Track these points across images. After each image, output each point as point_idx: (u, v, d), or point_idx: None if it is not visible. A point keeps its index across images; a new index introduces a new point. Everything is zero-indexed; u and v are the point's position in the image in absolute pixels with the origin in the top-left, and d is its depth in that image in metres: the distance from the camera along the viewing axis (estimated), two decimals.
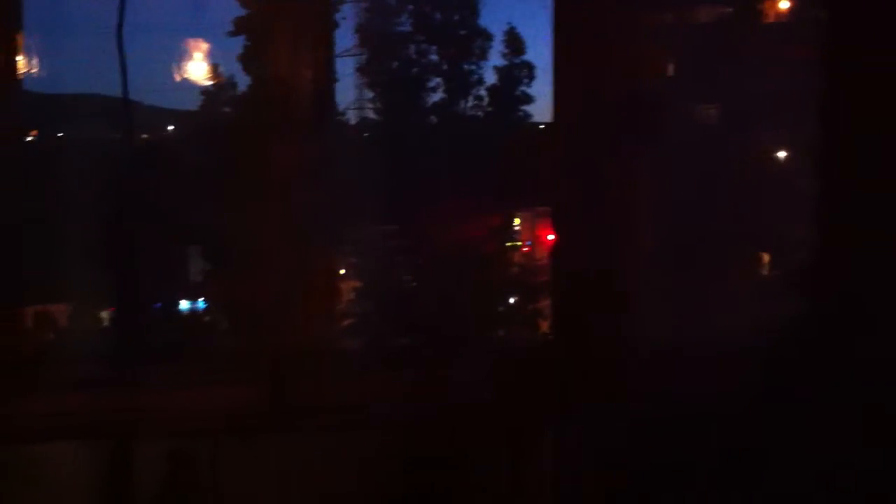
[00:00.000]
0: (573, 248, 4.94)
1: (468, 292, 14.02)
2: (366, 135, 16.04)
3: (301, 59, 4.62)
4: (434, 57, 15.54)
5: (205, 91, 14.62)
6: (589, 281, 4.81)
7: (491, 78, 15.67)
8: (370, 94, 15.92)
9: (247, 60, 13.12)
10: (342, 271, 12.02)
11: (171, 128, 16.95)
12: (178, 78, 11.15)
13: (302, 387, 4.70)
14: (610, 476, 4.43)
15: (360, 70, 15.35)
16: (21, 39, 4.53)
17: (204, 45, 10.26)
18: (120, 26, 4.52)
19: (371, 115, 16.11)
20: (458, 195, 14.66)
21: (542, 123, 17.72)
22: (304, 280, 4.64)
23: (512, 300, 15.48)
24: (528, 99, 15.93)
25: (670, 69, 4.82)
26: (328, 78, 4.85)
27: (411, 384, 4.68)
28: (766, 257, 10.93)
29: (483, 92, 15.85)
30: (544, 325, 16.92)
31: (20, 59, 4.65)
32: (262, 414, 4.53)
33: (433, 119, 16.04)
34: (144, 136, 15.78)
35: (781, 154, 11.13)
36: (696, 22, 9.21)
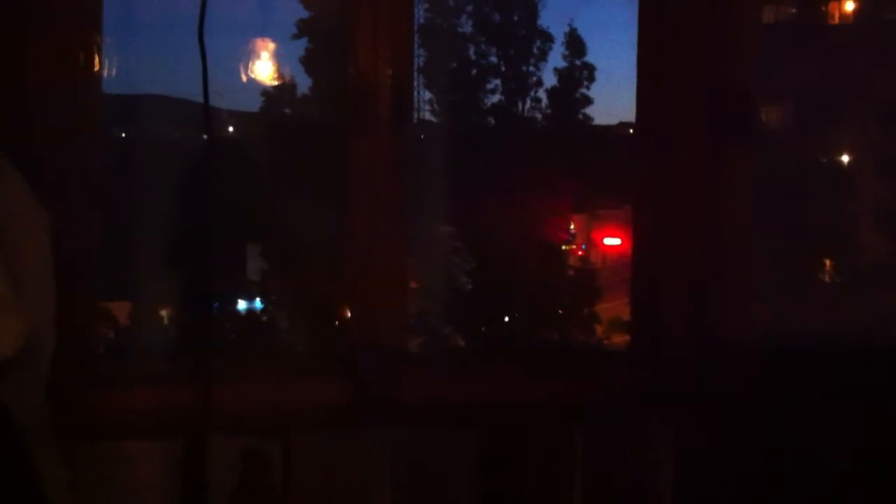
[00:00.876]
0: (655, 249, 4.80)
1: (527, 293, 13.92)
2: (423, 136, 15.97)
3: (380, 55, 4.51)
4: (494, 58, 15.42)
5: (265, 92, 14.60)
6: (671, 279, 4.66)
7: (551, 79, 15.53)
8: (429, 95, 15.84)
9: (317, 59, 13.13)
10: (410, 270, 11.94)
11: (231, 129, 17.01)
12: (243, 79, 11.14)
13: (380, 383, 4.59)
14: (702, 481, 4.29)
15: (421, 70, 15.27)
16: (100, 39, 4.46)
17: (270, 46, 10.23)
18: (201, 26, 4.41)
19: (429, 115, 16.03)
20: (519, 196, 14.55)
21: (603, 125, 17.60)
22: (375, 277, 4.52)
23: (568, 303, 15.34)
24: (589, 101, 15.75)
25: (757, 68, 4.65)
26: (407, 75, 4.75)
27: (495, 382, 4.56)
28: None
29: (542, 93, 15.70)
30: (600, 329, 16.81)
31: (98, 60, 4.58)
32: (346, 410, 4.43)
33: (492, 120, 15.93)
34: (205, 136, 15.75)
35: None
36: (782, 20, 9.04)
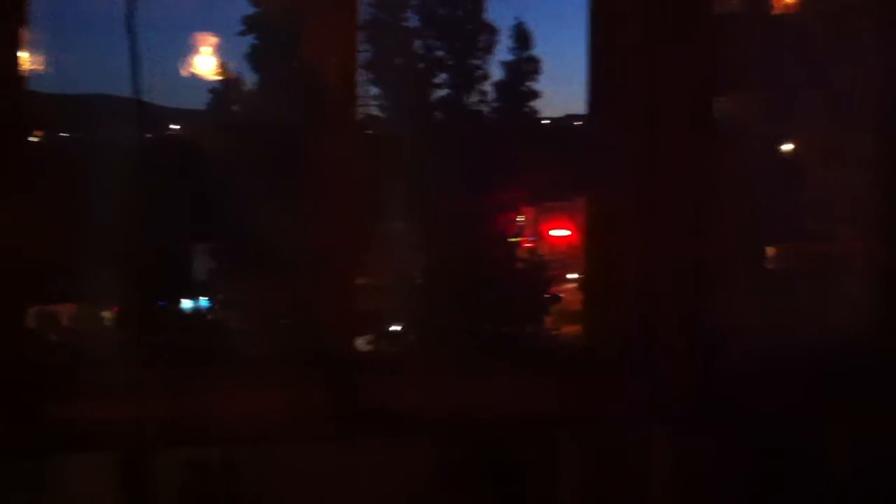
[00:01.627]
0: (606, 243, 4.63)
1: (477, 287, 13.73)
2: (369, 132, 15.69)
3: (325, 51, 4.28)
4: (440, 52, 15.18)
5: (212, 89, 14.25)
6: (626, 272, 4.49)
7: (498, 73, 15.36)
8: (375, 91, 15.56)
9: (263, 56, 12.81)
10: (364, 269, 11.68)
11: (176, 126, 16.59)
12: (185, 75, 10.82)
13: (339, 391, 4.35)
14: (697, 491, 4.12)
15: (366, 66, 14.99)
16: (25, 35, 4.16)
17: (213, 41, 9.92)
18: (130, 22, 4.15)
19: (376, 111, 15.76)
20: (468, 190, 14.37)
21: (547, 119, 17.46)
22: (331, 279, 4.28)
23: (518, 295, 15.18)
24: (535, 94, 15.58)
25: (715, 58, 4.48)
26: (352, 70, 4.51)
27: (473, 389, 4.35)
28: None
29: (489, 87, 15.52)
30: (549, 321, 16.69)
31: (23, 56, 4.29)
32: (301, 419, 4.19)
33: (439, 115, 15.69)
34: (149, 135, 15.42)
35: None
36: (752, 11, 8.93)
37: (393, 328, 12.83)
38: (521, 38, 15.76)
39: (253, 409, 4.27)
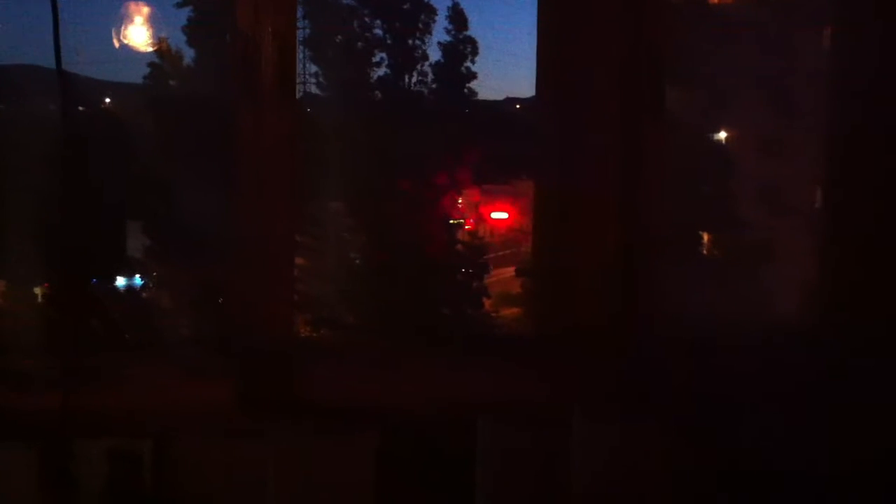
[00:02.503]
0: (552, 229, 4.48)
1: (417, 269, 13.61)
2: (308, 110, 15.41)
3: (263, 25, 4.02)
4: (379, 31, 14.96)
5: (148, 63, 13.89)
6: (579, 259, 4.35)
7: (436, 54, 15.18)
8: (315, 69, 15.29)
9: (200, 29, 12.49)
10: (301, 251, 11.45)
11: (108, 100, 16.12)
12: (116, 45, 10.43)
13: (271, 379, 4.14)
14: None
15: (305, 43, 14.71)
16: None
17: (145, 10, 9.54)
18: None
19: (314, 89, 15.48)
20: (406, 171, 14.21)
21: (486, 100, 17.33)
22: (265, 260, 4.05)
23: (458, 277, 15.08)
24: (473, 75, 15.45)
25: (670, 41, 4.34)
26: (291, 48, 4.28)
27: (408, 378, 4.16)
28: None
29: (427, 67, 15.33)
30: (488, 304, 16.62)
31: None
32: (232, 412, 3.96)
33: (378, 94, 15.48)
34: (81, 108, 15.01)
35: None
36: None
37: (330, 313, 12.65)
38: (460, 19, 15.60)
39: (182, 400, 4.03)
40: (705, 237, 12.53)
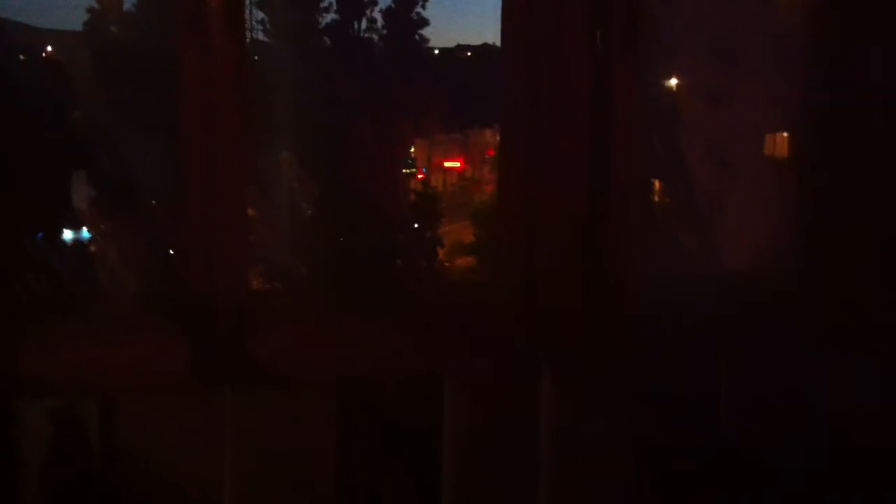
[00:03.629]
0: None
1: (369, 219, 13.27)
2: (256, 58, 14.90)
3: None
4: None
5: (90, 9, 13.30)
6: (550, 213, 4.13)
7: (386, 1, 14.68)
8: (261, 15, 14.73)
9: None
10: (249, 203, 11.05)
11: (49, 48, 15.47)
12: None
13: (223, 339, 3.87)
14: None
15: None
16: None
17: None
18: None
19: (262, 36, 14.95)
20: (357, 120, 13.82)
21: (437, 48, 16.92)
22: (214, 211, 3.77)
23: (411, 227, 14.74)
24: (425, 22, 14.98)
25: None
26: None
27: (357, 340, 3.93)
28: None
29: (377, 14, 14.84)
30: (441, 253, 16.37)
31: None
32: (183, 369, 3.70)
33: (327, 40, 14.97)
34: (21, 56, 14.42)
35: None
36: None
37: (279, 265, 12.28)
38: None
39: (126, 360, 3.76)
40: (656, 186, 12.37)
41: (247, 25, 14.68)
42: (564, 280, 3.94)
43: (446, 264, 15.36)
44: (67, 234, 13.57)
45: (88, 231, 13.49)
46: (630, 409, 3.81)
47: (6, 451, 3.66)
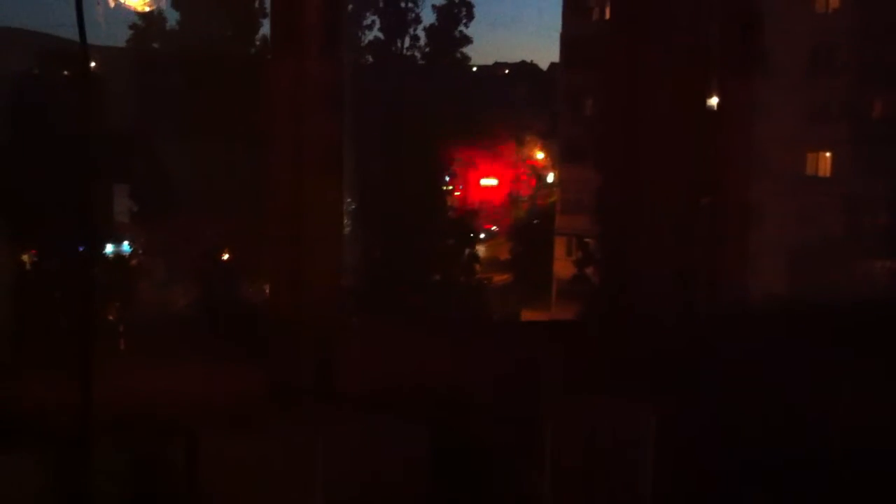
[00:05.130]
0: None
1: (409, 235, 13.02)
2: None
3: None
4: None
5: (133, 26, 13.15)
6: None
7: (430, 18, 14.45)
8: None
9: None
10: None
11: (93, 63, 15.24)
12: (101, 12, 9.68)
13: (311, 369, 3.54)
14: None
15: None
16: None
17: None
18: None
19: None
20: (398, 137, 13.58)
21: (477, 66, 16.68)
22: (304, 233, 3.45)
23: (449, 243, 14.44)
24: (467, 40, 14.75)
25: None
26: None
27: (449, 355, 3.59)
28: None
29: (421, 32, 14.61)
30: (478, 268, 16.07)
31: None
32: (265, 402, 3.37)
33: (370, 58, 14.74)
34: (66, 72, 14.24)
35: None
36: None
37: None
38: None
39: (203, 388, 3.43)
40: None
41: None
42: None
43: (484, 281, 15.06)
44: (109, 248, 13.36)
45: (130, 245, 13.27)
46: None
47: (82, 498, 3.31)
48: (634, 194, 3.87)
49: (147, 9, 11.63)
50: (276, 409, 3.59)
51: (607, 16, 17.03)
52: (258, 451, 3.38)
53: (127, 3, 9.29)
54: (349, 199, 14.36)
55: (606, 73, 4.21)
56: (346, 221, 14.35)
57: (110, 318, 8.64)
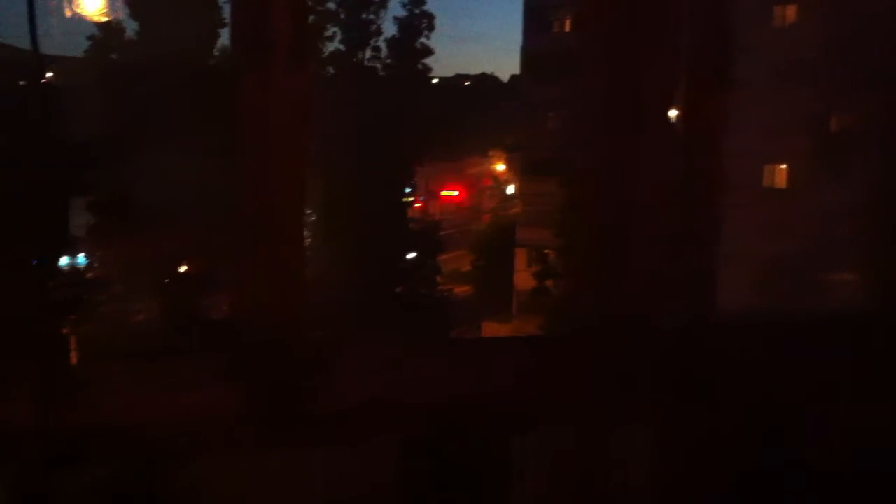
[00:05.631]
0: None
1: (368, 246, 12.87)
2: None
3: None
4: (332, 5, 14.10)
5: (91, 37, 12.93)
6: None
7: (391, 30, 14.34)
8: None
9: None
10: None
11: (50, 74, 14.96)
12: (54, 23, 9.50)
13: (284, 386, 3.46)
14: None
15: None
16: None
17: None
18: None
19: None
20: (359, 148, 13.45)
21: (438, 77, 16.62)
22: (271, 244, 3.37)
23: (411, 255, 14.32)
24: (429, 51, 14.66)
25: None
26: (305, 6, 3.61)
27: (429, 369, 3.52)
28: None
29: (382, 43, 14.49)
30: (440, 280, 15.93)
31: None
32: (240, 424, 3.26)
33: (331, 70, 14.61)
34: (22, 82, 13.94)
35: None
36: None
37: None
38: None
39: (177, 413, 3.31)
40: None
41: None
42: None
43: (446, 293, 14.93)
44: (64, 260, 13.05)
45: (86, 258, 12.98)
46: None
47: None
48: (603, 207, 3.82)
49: (103, 18, 11.44)
50: (241, 432, 3.48)
51: (567, 29, 17.18)
52: (221, 476, 3.27)
53: (83, 12, 9.09)
54: (310, 211, 14.22)
55: (573, 86, 4.16)
56: (307, 233, 14.26)
57: (64, 332, 8.41)
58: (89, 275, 13.00)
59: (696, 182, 3.86)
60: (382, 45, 14.54)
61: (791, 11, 14.49)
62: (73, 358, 4.24)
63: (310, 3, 14.09)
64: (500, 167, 19.99)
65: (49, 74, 14.98)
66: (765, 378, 3.86)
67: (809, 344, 4.06)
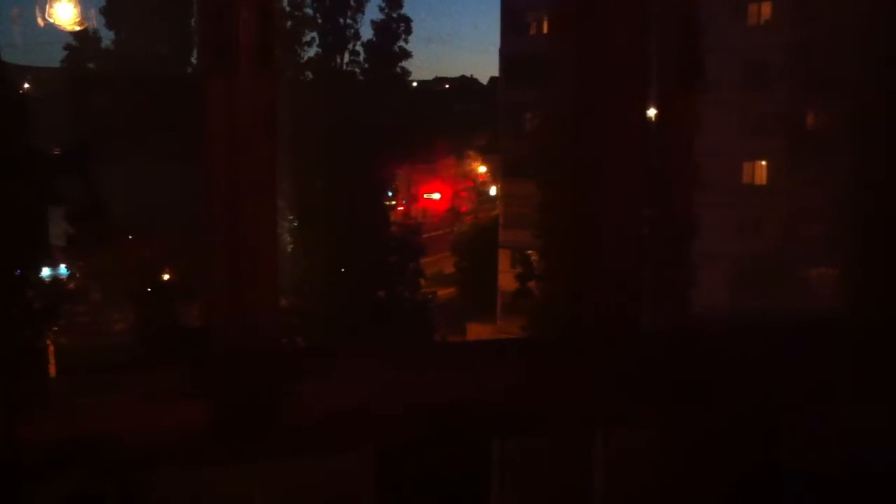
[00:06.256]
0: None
1: (351, 250, 12.81)
2: None
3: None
4: (309, 10, 14.04)
5: (67, 47, 12.85)
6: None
7: (369, 33, 14.29)
8: None
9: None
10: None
11: (26, 85, 14.89)
12: (41, 25, 9.40)
13: (253, 398, 3.37)
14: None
15: None
16: None
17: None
18: None
19: None
20: (340, 151, 13.41)
21: (417, 80, 16.58)
22: (242, 256, 3.28)
23: (393, 258, 14.25)
24: (407, 54, 14.61)
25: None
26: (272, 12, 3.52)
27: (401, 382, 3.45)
28: None
29: (360, 47, 14.44)
30: (423, 283, 15.92)
31: None
32: (207, 436, 3.18)
33: (309, 74, 14.55)
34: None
35: None
36: None
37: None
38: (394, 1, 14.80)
39: (143, 425, 3.23)
40: None
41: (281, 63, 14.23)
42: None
43: (430, 296, 14.90)
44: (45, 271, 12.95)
45: (67, 268, 12.89)
46: None
47: None
48: (576, 208, 3.79)
49: (77, 28, 11.34)
50: (216, 445, 3.41)
51: (545, 31, 17.19)
52: (191, 488, 3.21)
53: (57, 22, 8.99)
54: (291, 217, 14.14)
55: (548, 88, 4.12)
56: (287, 239, 14.19)
57: (42, 343, 8.34)
58: (70, 285, 12.93)
59: (671, 181, 3.81)
60: (360, 49, 14.51)
61: (766, 8, 14.61)
62: (51, 369, 4.16)
63: (282, 9, 14.08)
64: (482, 169, 20.02)
65: (25, 85, 14.92)
66: (744, 381, 3.82)
67: (789, 346, 4.03)
